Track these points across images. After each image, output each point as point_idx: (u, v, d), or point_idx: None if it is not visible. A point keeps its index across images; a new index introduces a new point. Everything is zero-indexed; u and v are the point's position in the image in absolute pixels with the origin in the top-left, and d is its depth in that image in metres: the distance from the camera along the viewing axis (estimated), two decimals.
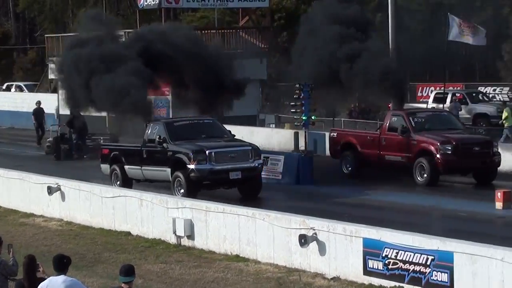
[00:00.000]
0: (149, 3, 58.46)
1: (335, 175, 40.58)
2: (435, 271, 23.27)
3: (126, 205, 34.09)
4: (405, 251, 24.01)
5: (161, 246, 31.46)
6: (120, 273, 15.42)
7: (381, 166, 39.65)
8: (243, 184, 33.46)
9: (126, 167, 35.42)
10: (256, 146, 35.70)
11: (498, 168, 39.00)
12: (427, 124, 38.50)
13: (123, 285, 15.15)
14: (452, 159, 35.75)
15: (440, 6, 64.94)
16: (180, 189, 31.47)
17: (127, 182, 35.15)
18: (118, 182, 35.47)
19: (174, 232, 30.98)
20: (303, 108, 44.29)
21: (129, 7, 70.11)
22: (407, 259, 23.95)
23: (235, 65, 48.52)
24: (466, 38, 49.49)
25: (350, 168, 39.84)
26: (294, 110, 45.96)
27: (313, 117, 45.68)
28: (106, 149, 37.74)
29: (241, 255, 29.04)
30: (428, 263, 23.45)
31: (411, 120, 37.54)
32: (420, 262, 23.66)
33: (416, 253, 23.70)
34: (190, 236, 30.73)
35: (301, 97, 44.27)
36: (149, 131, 34.94)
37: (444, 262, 23.10)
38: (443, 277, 23.11)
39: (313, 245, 26.28)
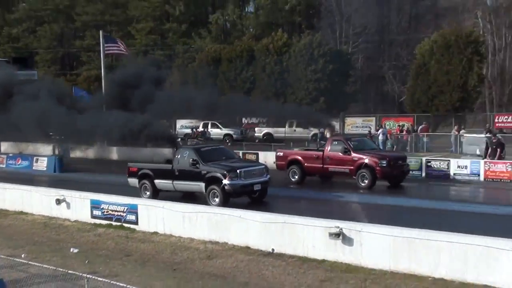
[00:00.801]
0: None
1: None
2: (128, 214, 25.67)
3: None
4: (112, 205, 26.39)
5: None
6: None
7: (324, 176, 34.83)
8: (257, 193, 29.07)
9: (157, 181, 29.92)
10: (266, 165, 31.08)
11: None
12: (358, 146, 33.76)
13: None
14: (387, 170, 31.88)
15: None
16: (215, 198, 27.46)
17: (156, 192, 29.98)
18: (148, 193, 30.04)
19: None
20: None
21: None
22: (114, 209, 26.29)
23: None
24: None
25: (296, 177, 34.62)
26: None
27: None
28: (134, 168, 31.12)
29: (24, 211, 30.11)
30: (125, 210, 25.84)
31: (350, 143, 33.40)
32: (120, 210, 26.00)
33: (118, 205, 26.16)
34: None
35: None
36: (179, 155, 29.41)
37: (133, 209, 25.51)
38: (132, 217, 25.50)
39: (64, 204, 28.37)
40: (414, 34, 73.54)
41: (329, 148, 33.58)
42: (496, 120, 53.47)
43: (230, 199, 27.35)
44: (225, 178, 27.13)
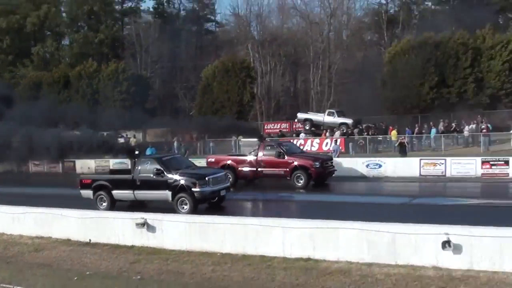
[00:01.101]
0: None
1: None
2: None
3: None
4: None
5: None
6: None
7: (258, 178, 30.91)
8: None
9: (115, 192, 24.65)
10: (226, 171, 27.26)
11: None
12: (289, 150, 30.67)
13: None
14: (320, 171, 29.13)
15: None
16: (184, 206, 23.00)
17: (113, 203, 24.64)
18: (104, 204, 24.71)
19: None
20: None
21: None
22: None
23: None
24: None
25: (230, 180, 27.99)
26: None
27: None
28: (87, 180, 25.63)
29: None
30: None
31: (282, 148, 30.25)
32: None
33: None
34: None
35: None
36: (140, 165, 24.30)
37: None
38: None
39: None
40: (200, 61, 74.58)
41: (262, 153, 30.57)
42: (265, 127, 55.28)
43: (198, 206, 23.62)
44: (195, 186, 23.17)
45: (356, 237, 15.73)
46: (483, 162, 30.53)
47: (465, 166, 30.90)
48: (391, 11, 76.80)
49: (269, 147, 30.95)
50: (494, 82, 48.66)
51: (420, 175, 31.26)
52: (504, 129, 40.28)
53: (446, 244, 14.49)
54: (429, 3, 79.36)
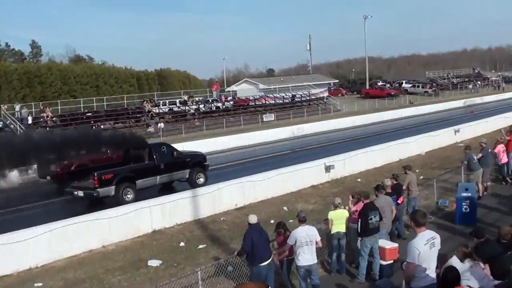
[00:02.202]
0: None
1: None
2: None
3: None
4: None
5: None
6: None
7: None
8: None
9: (139, 181, 22.64)
10: None
11: None
12: None
13: None
14: None
15: None
16: (200, 179, 24.53)
17: (135, 194, 22.20)
18: (131, 196, 21.89)
19: None
20: None
21: None
22: None
23: None
24: None
25: None
26: None
27: None
28: (107, 175, 21.69)
29: None
30: None
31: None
32: None
33: None
34: None
35: None
36: (158, 152, 23.51)
37: None
38: None
39: None
40: None
41: None
42: None
43: None
44: (205, 160, 25.76)
45: None
46: None
47: None
48: None
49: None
50: None
51: None
52: None
53: None
54: None
